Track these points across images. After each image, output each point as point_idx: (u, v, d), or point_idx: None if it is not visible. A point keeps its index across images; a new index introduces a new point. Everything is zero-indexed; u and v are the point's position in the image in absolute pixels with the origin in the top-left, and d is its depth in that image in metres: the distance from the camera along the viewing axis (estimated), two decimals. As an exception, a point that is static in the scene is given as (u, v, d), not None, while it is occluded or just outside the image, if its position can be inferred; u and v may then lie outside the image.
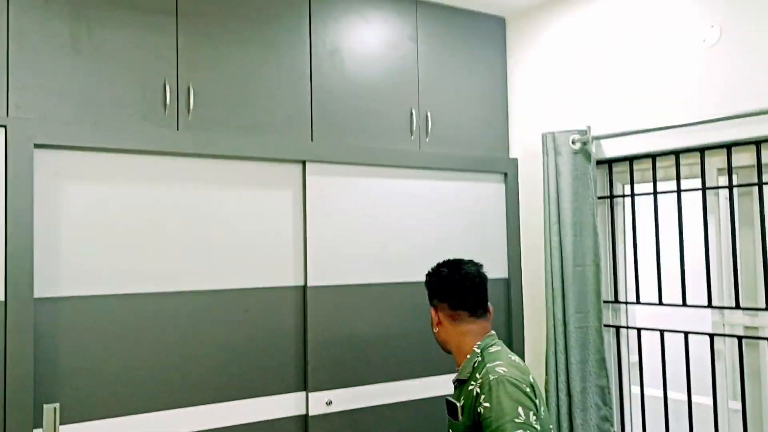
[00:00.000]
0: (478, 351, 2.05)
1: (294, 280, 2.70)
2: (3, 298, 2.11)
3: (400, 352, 2.92)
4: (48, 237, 2.24)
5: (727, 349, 2.68)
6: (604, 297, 3.03)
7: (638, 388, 2.95)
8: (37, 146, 2.20)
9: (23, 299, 2.13)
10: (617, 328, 3.02)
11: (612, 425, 2.88)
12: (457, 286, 2.14)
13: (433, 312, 2.20)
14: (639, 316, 3.18)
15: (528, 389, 1.91)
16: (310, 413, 2.67)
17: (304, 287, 2.72)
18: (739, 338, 2.59)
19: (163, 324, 2.42)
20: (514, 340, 3.24)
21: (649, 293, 2.94)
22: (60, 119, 2.26)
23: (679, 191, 2.78)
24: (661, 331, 2.84)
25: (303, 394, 2.69)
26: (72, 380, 2.25)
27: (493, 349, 2.05)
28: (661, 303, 2.85)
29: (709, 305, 2.68)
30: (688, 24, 2.68)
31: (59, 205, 2.26)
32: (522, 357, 3.23)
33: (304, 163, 2.72)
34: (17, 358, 2.11)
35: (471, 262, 2.23)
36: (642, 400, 2.91)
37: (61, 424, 2.22)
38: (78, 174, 2.30)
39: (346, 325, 2.80)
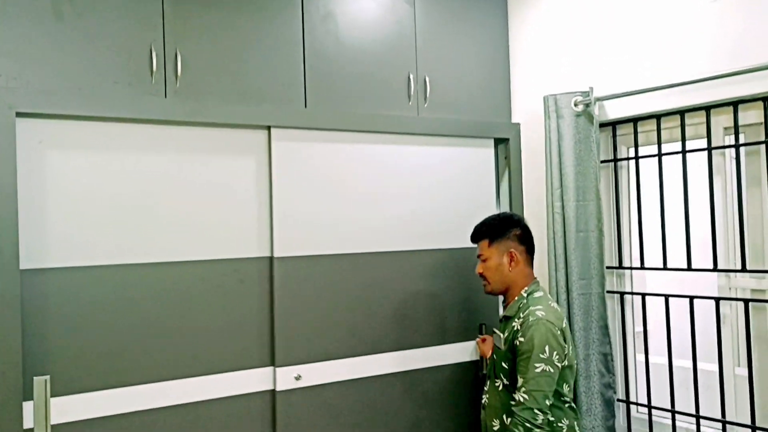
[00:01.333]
0: (525, 295, 2.44)
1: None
2: (-12, 270, 2.08)
3: (373, 325, 2.83)
4: (33, 207, 2.19)
5: (733, 313, 2.61)
6: (607, 263, 2.96)
7: (644, 355, 2.89)
8: (19, 115, 2.15)
9: (9, 271, 2.09)
10: (621, 294, 2.96)
11: (615, 392, 2.83)
12: (530, 235, 2.54)
13: (508, 254, 2.48)
14: (650, 283, 3.12)
15: (558, 333, 2.30)
16: (278, 388, 2.58)
17: (271, 258, 2.64)
18: (746, 302, 2.52)
19: (139, 296, 2.37)
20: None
21: (654, 258, 2.86)
22: (43, 87, 2.21)
23: (684, 152, 2.69)
24: (666, 296, 2.77)
25: (271, 368, 2.61)
26: (62, 352, 2.22)
27: (536, 294, 2.43)
28: (666, 268, 2.77)
29: (715, 269, 2.61)
30: (693, -23, 2.57)
31: (44, 175, 2.21)
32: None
33: (269, 128, 2.62)
34: (4, 331, 2.08)
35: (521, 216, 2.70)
36: (647, 367, 2.85)
37: (52, 396, 2.19)
38: (63, 143, 2.25)
39: (316, 298, 2.69)
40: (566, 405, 2.37)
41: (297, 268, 2.65)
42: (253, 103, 2.56)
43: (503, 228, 2.53)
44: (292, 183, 2.65)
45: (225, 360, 2.52)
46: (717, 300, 2.60)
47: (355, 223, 2.80)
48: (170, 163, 2.43)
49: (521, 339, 2.29)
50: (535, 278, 2.53)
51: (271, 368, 2.60)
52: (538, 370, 2.23)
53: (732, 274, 2.60)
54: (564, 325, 2.36)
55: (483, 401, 2.55)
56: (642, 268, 2.89)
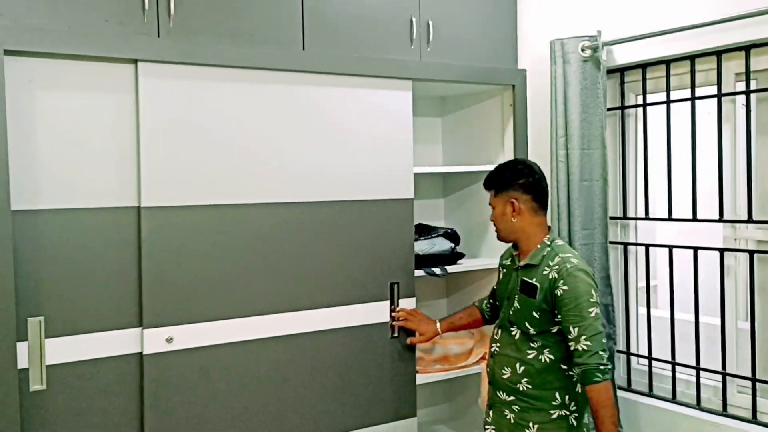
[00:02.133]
0: (548, 243, 2.38)
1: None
2: (-21, 211, 2.07)
3: (255, 284, 2.53)
4: (23, 148, 2.15)
5: (739, 265, 2.56)
6: (612, 213, 2.91)
7: (648, 307, 2.86)
8: (7, 53, 2.09)
9: (0, 211, 2.07)
10: (625, 245, 2.91)
11: (615, 343, 2.80)
12: (540, 183, 2.42)
13: (510, 204, 2.40)
14: (660, 233, 3.06)
15: (593, 275, 2.31)
16: (146, 351, 2.33)
17: (138, 208, 2.34)
18: (751, 253, 2.47)
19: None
20: (519, 259, 3.13)
21: (659, 209, 2.80)
22: (32, 25, 2.15)
23: (693, 98, 2.61)
24: (670, 247, 2.72)
25: (138, 330, 2.34)
26: (56, 294, 2.21)
27: (558, 243, 2.40)
28: (670, 218, 2.72)
29: (721, 219, 2.55)
30: None
31: (34, 115, 2.17)
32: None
33: (136, 63, 2.30)
34: (-3, 272, 2.08)
35: (534, 163, 2.49)
36: (648, 319, 2.82)
37: (46, 337, 2.19)
38: (53, 82, 2.19)
39: (192, 253, 2.41)
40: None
41: (169, 219, 2.37)
42: (246, 44, 2.49)
43: (508, 178, 2.43)
44: (165, 125, 2.36)
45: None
46: (721, 251, 2.55)
47: (244, 172, 2.50)
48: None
49: (564, 288, 2.24)
50: (549, 227, 2.46)
51: (138, 329, 2.34)
52: (592, 314, 2.22)
53: (738, 225, 2.54)
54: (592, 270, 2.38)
55: (492, 350, 2.49)
56: (646, 218, 2.84)
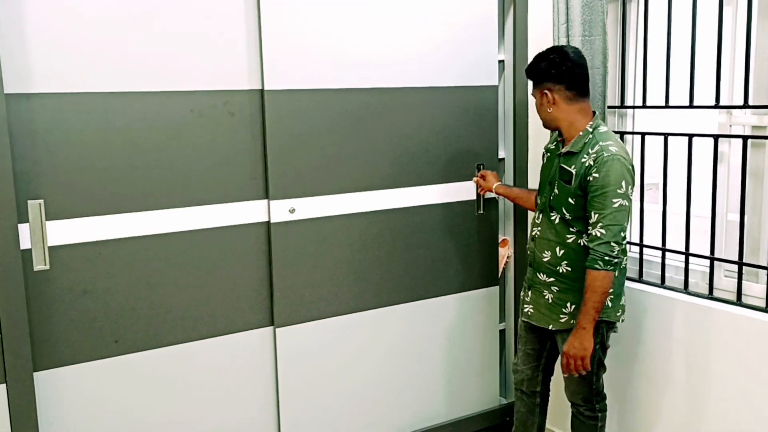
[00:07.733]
0: (590, 130, 2.41)
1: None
2: (-29, 92, 2.07)
3: (369, 161, 2.78)
4: (13, 29, 2.13)
5: (732, 152, 2.57)
6: (609, 102, 2.89)
7: (642, 194, 2.88)
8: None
9: (-8, 94, 2.08)
10: (621, 134, 2.91)
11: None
12: (574, 69, 2.40)
13: (546, 94, 2.44)
14: (653, 126, 3.04)
15: (630, 167, 2.33)
16: (273, 220, 2.60)
17: (262, 91, 2.53)
18: (744, 138, 2.46)
19: (129, 125, 2.33)
20: (517, 152, 3.15)
21: (657, 99, 2.78)
22: None
23: (695, -19, 2.54)
24: (665, 135, 2.72)
25: (265, 201, 2.59)
26: (54, 178, 2.23)
27: (602, 129, 2.42)
28: (667, 106, 2.70)
29: (717, 105, 2.53)
30: None
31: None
32: (525, 178, 3.18)
33: None
34: (-6, 154, 2.10)
35: (574, 48, 2.48)
36: (641, 206, 2.84)
37: (47, 219, 2.24)
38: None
39: (310, 134, 2.63)
40: (625, 241, 2.39)
41: (290, 102, 2.56)
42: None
43: (543, 69, 2.45)
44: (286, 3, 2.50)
45: (218, 192, 2.50)
46: (716, 137, 2.55)
47: (358, 55, 2.68)
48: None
49: (595, 175, 2.29)
50: (594, 112, 2.48)
51: (265, 201, 2.59)
52: (615, 205, 2.27)
53: (733, 113, 2.53)
54: (632, 161, 2.39)
55: (533, 233, 2.58)
56: (644, 107, 2.82)
